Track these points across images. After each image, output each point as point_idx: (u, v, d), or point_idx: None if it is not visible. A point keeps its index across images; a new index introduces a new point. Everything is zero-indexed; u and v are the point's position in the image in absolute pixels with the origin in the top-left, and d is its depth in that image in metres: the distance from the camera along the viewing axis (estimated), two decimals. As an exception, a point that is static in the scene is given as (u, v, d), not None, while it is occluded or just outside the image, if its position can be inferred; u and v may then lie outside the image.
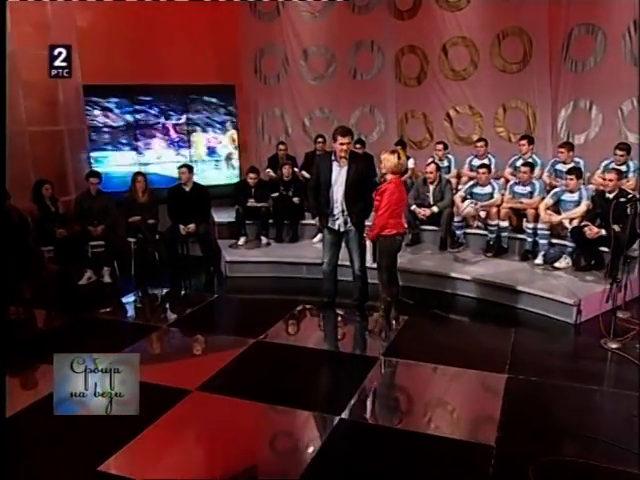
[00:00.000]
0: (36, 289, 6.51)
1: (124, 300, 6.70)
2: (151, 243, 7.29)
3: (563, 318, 5.64)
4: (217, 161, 9.28)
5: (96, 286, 6.92)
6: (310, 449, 3.75)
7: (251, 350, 5.15)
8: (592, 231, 6.00)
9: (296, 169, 8.37)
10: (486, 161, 7.58)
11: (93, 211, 7.19)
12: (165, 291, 6.98)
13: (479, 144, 7.85)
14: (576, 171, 6.48)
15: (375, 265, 5.41)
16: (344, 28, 9.00)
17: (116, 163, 8.58)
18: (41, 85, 7.61)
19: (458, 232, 7.13)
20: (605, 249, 6.10)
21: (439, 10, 8.51)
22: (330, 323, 6.00)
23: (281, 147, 8.74)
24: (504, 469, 3.49)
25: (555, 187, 6.85)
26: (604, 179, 6.34)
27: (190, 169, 7.29)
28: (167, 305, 6.79)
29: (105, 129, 8.49)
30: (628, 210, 5.20)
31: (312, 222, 7.69)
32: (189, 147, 9.02)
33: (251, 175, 7.83)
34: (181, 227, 7.13)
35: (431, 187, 7.19)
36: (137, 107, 8.65)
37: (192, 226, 7.13)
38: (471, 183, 7.19)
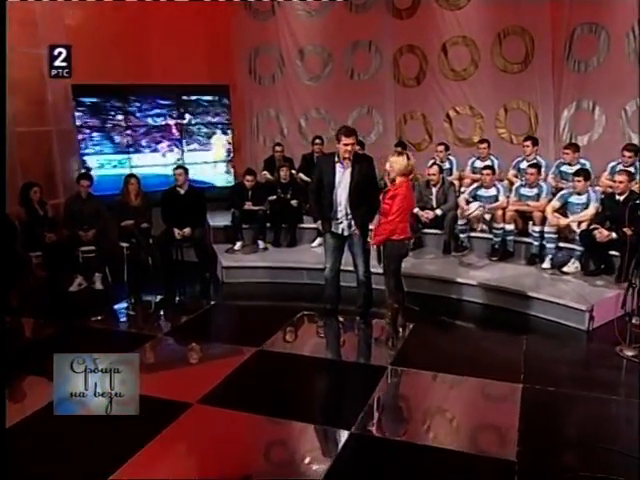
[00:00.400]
0: (24, 297, 6.28)
1: (116, 308, 6.45)
2: (144, 248, 7.07)
3: (575, 324, 5.47)
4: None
5: (87, 293, 6.68)
6: (321, 466, 3.52)
7: (252, 360, 4.93)
8: (602, 234, 5.83)
9: (293, 171, 8.15)
10: (489, 163, 7.42)
11: (84, 215, 6.95)
12: (159, 298, 6.74)
13: (482, 145, 7.69)
14: (584, 172, 6.32)
15: (381, 270, 5.20)
16: (341, 27, 8.85)
17: (107, 165, 8.28)
18: (28, 84, 7.40)
19: (462, 236, 6.95)
20: (615, 253, 5.96)
21: (439, 9, 8.39)
22: (334, 331, 5.79)
23: (278, 149, 8.54)
24: (529, 486, 3.32)
25: (561, 189, 6.69)
26: (614, 181, 6.17)
27: (186, 171, 7.07)
28: (162, 313, 6.55)
29: (95, 130, 8.20)
30: (640, 212, 5.04)
31: (310, 226, 7.57)
32: (181, 148, 8.76)
33: (248, 177, 7.60)
34: (176, 231, 6.92)
35: (434, 189, 7.00)
36: (128, 107, 8.38)
37: (187, 230, 6.92)
38: (475, 185, 7.01)
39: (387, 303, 5.23)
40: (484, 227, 6.99)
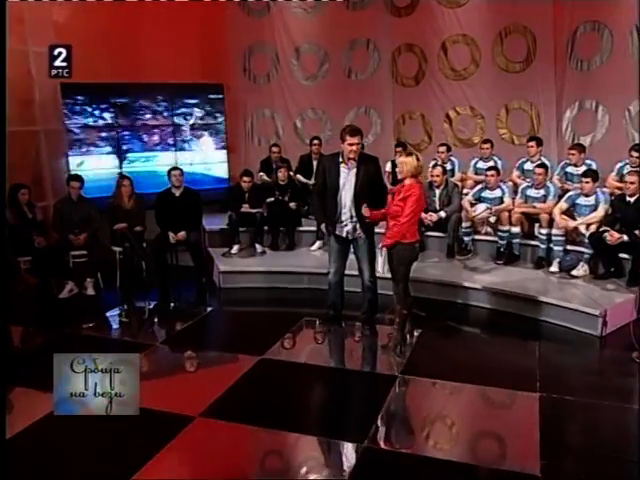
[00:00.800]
0: (12, 303, 5.92)
1: (109, 315, 6.19)
2: (138, 252, 6.82)
3: (587, 330, 5.31)
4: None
5: (78, 300, 6.44)
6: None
7: (256, 369, 4.72)
8: (613, 237, 5.67)
9: (291, 172, 7.93)
10: (492, 163, 7.26)
11: (74, 218, 6.72)
12: (154, 304, 6.52)
13: (485, 145, 7.53)
14: (592, 173, 6.17)
15: (388, 275, 5.00)
16: (338, 25, 8.67)
17: (98, 166, 8.01)
18: (15, 83, 7.04)
19: (466, 239, 6.77)
20: (625, 256, 5.82)
21: (438, 7, 8.24)
22: (339, 338, 5.61)
23: (275, 149, 8.32)
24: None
25: (567, 191, 6.53)
26: (623, 182, 6.03)
27: (182, 172, 6.87)
28: (157, 320, 6.32)
29: (85, 130, 7.92)
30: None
31: (309, 229, 7.42)
32: (174, 148, 8.51)
33: (245, 179, 7.36)
34: (170, 235, 6.70)
35: (437, 191, 6.81)
36: (119, 107, 8.11)
37: (182, 234, 6.71)
38: (480, 187, 6.83)
39: (396, 309, 5.02)
40: (489, 230, 6.82)
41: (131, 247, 6.80)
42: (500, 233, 6.57)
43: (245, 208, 7.26)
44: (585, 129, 7.74)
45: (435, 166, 7.03)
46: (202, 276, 6.90)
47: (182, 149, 8.54)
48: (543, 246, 6.37)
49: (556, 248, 6.23)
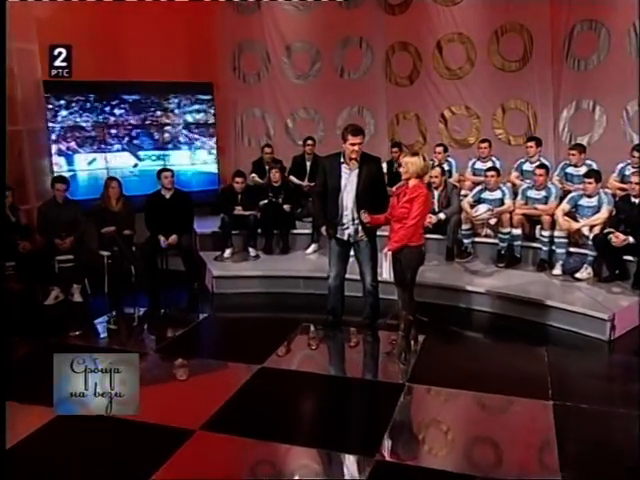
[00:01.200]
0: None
1: (97, 322, 5.94)
2: (127, 257, 6.59)
3: (594, 334, 5.18)
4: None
5: (64, 306, 6.20)
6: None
7: (256, 379, 4.53)
8: (619, 239, 5.55)
9: (284, 174, 7.72)
10: (490, 164, 7.12)
11: (60, 221, 6.43)
12: (144, 311, 6.29)
13: (483, 145, 7.38)
14: (595, 174, 6.05)
15: (391, 280, 4.81)
16: (330, 23, 8.48)
17: (83, 167, 7.74)
18: (-3, 80, 6.80)
19: (466, 241, 6.62)
20: (630, 258, 5.71)
21: (433, 4, 8.09)
22: (340, 345, 5.43)
23: (267, 150, 8.12)
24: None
25: (568, 192, 6.41)
26: (625, 182, 5.92)
27: (173, 173, 6.63)
28: (149, 327, 6.09)
29: (69, 129, 7.63)
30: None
31: (304, 231, 7.22)
32: (162, 149, 8.26)
33: (237, 180, 7.12)
34: (161, 239, 6.46)
35: (436, 193, 6.65)
36: (105, 106, 7.85)
37: (174, 237, 6.47)
38: (479, 188, 6.68)
39: (400, 314, 4.84)
40: (489, 232, 6.66)
41: (120, 251, 6.56)
42: (501, 235, 6.42)
43: (238, 211, 7.03)
44: (582, 129, 7.63)
45: (433, 167, 6.86)
46: (194, 281, 6.66)
47: (171, 150, 8.28)
48: (545, 248, 6.24)
49: (559, 250, 6.10)
